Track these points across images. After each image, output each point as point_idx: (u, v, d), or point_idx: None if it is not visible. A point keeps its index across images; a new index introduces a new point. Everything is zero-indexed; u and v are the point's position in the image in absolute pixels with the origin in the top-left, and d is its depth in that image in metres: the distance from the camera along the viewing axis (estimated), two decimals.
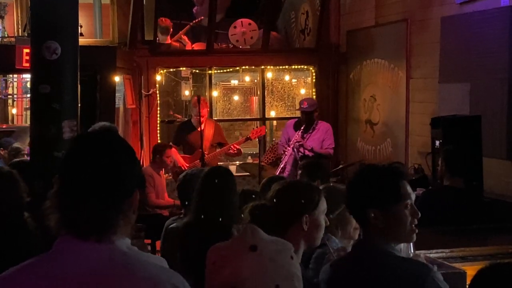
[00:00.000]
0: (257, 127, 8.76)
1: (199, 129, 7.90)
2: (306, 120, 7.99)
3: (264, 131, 8.75)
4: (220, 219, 3.69)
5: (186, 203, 4.36)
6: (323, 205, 2.96)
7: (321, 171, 5.47)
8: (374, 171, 2.65)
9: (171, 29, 9.67)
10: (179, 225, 3.99)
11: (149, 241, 7.11)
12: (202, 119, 7.86)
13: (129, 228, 1.79)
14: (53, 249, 1.75)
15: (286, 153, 7.88)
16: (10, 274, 1.75)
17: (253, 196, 4.40)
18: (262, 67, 9.98)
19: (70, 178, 1.76)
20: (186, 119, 9.14)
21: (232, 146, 8.21)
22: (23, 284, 1.71)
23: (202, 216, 3.81)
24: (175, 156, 8.08)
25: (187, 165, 8.03)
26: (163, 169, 7.95)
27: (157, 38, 9.37)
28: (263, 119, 10.04)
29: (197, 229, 3.76)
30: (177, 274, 1.78)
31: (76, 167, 1.75)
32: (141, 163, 8.79)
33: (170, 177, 8.51)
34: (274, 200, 2.95)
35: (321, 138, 8.04)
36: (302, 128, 7.92)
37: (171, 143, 8.25)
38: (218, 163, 8.34)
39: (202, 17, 9.57)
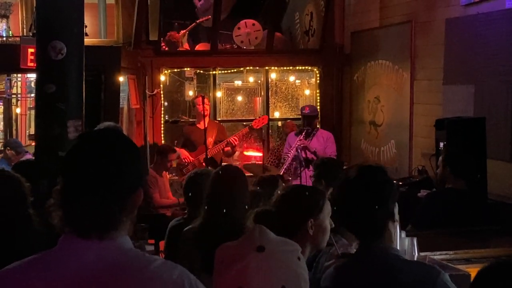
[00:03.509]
0: (259, 117, 8.75)
1: (202, 127, 7.94)
2: (307, 125, 7.99)
3: (266, 120, 8.77)
4: (233, 219, 3.68)
5: (192, 202, 4.37)
6: (327, 208, 2.93)
7: (331, 171, 5.41)
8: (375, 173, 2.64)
9: (180, 44, 9.70)
10: (193, 226, 3.97)
11: (152, 241, 7.12)
12: (206, 113, 7.89)
13: (131, 226, 1.78)
14: (56, 247, 1.75)
15: (289, 155, 7.88)
16: (12, 269, 1.75)
17: (257, 195, 4.41)
18: (266, 68, 9.99)
19: (71, 175, 1.74)
20: (191, 119, 9.17)
21: (232, 139, 8.21)
22: (23, 279, 1.71)
23: (215, 216, 3.80)
24: (179, 150, 8.11)
25: (192, 158, 8.09)
26: (165, 170, 7.97)
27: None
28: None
29: (212, 229, 3.75)
30: (182, 268, 1.77)
31: (78, 163, 1.74)
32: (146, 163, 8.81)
33: (175, 177, 8.52)
34: (278, 206, 2.93)
35: (322, 145, 8.03)
36: (303, 133, 7.91)
37: (175, 147, 8.23)
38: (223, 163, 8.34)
39: (209, 16, 9.57)
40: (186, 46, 9.91)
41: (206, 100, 8.06)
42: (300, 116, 8.51)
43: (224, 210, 3.76)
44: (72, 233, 1.72)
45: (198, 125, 8.29)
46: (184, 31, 9.86)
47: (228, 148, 8.36)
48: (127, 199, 1.75)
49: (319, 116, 8.35)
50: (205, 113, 7.87)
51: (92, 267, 1.68)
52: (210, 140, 8.11)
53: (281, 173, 7.47)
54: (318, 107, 9.87)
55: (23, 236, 3.08)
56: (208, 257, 3.69)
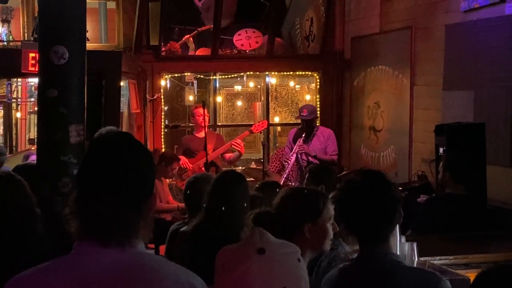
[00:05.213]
0: (259, 121, 8.79)
1: (201, 137, 7.97)
2: (306, 128, 8.01)
3: (266, 124, 8.80)
4: (229, 223, 3.70)
5: (192, 207, 4.38)
6: (328, 212, 2.89)
7: (327, 176, 5.43)
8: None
9: (180, 52, 9.75)
10: (188, 228, 4.00)
11: (152, 245, 7.12)
12: (205, 123, 7.91)
13: (149, 231, 1.74)
14: (73, 253, 1.71)
15: (289, 161, 7.89)
16: (29, 274, 1.73)
17: (258, 200, 4.42)
18: (266, 73, 10.01)
19: (86, 182, 1.72)
20: (191, 124, 9.19)
21: (234, 142, 8.24)
22: (39, 285, 1.69)
23: (212, 219, 3.82)
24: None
25: (191, 165, 8.10)
26: (165, 177, 7.97)
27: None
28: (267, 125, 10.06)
29: (206, 232, 3.76)
30: (195, 274, 1.75)
31: (94, 167, 1.72)
32: None
33: (174, 182, 8.54)
34: (277, 208, 2.93)
35: (323, 144, 8.05)
36: (303, 135, 7.93)
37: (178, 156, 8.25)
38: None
39: (211, 25, 9.59)
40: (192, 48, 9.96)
41: (205, 111, 8.07)
42: (299, 120, 8.52)
43: (221, 214, 3.78)
44: (90, 239, 1.68)
45: (197, 135, 8.34)
46: (184, 39, 9.87)
47: (230, 155, 8.36)
48: (143, 203, 1.72)
49: (317, 115, 8.35)
50: (205, 124, 7.89)
51: (109, 275, 1.65)
52: (209, 147, 8.13)
53: (281, 183, 7.43)
54: (318, 113, 9.89)
55: (27, 239, 3.08)
56: (197, 260, 3.72)
